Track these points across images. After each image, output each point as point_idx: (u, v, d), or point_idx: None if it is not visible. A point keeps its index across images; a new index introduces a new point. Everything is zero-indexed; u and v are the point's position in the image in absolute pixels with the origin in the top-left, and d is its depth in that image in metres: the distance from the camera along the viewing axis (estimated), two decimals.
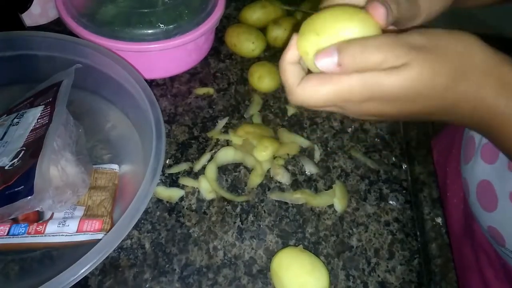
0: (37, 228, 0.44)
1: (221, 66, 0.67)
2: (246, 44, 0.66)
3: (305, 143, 0.58)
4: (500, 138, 0.36)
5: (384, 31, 0.33)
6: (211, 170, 0.54)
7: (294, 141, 0.58)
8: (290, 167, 0.56)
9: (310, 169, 0.56)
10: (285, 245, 0.49)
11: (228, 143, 0.57)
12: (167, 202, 0.52)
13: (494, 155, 0.51)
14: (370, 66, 0.31)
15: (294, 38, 0.35)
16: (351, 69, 0.31)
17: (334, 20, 0.32)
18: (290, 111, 0.62)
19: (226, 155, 0.56)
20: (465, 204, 0.60)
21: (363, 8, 0.33)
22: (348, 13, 0.32)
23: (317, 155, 0.57)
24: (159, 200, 0.52)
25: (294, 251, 0.46)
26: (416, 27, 0.35)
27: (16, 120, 0.50)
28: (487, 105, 0.33)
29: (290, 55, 0.35)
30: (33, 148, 0.45)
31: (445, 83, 0.32)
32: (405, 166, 0.57)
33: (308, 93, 0.33)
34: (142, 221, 0.50)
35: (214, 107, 0.62)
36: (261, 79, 0.63)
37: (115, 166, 0.52)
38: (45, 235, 0.44)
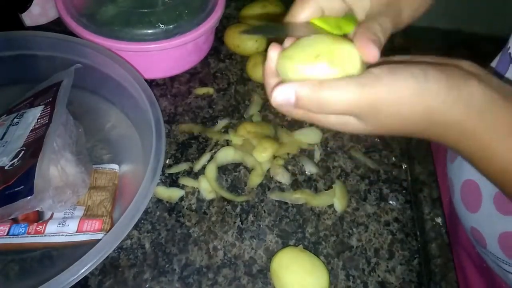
0: (37, 228, 0.44)
1: (221, 66, 0.67)
2: (250, 43, 0.66)
3: (304, 143, 0.58)
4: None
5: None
6: (211, 170, 0.54)
7: (294, 141, 0.58)
8: (290, 167, 0.56)
9: (310, 169, 0.56)
10: (285, 245, 0.49)
11: (228, 143, 0.57)
12: (167, 202, 0.52)
13: None
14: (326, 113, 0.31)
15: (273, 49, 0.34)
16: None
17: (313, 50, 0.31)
18: None
19: (226, 155, 0.56)
20: (451, 204, 0.59)
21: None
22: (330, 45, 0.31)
23: (317, 155, 0.57)
24: (159, 200, 0.52)
25: (294, 251, 0.46)
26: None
27: (16, 120, 0.50)
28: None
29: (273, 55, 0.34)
30: (33, 148, 0.45)
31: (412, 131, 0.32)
32: (405, 166, 0.57)
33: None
34: (142, 221, 0.50)
35: (214, 107, 0.62)
36: (256, 67, 0.63)
37: (115, 166, 0.52)
38: (45, 235, 0.44)
